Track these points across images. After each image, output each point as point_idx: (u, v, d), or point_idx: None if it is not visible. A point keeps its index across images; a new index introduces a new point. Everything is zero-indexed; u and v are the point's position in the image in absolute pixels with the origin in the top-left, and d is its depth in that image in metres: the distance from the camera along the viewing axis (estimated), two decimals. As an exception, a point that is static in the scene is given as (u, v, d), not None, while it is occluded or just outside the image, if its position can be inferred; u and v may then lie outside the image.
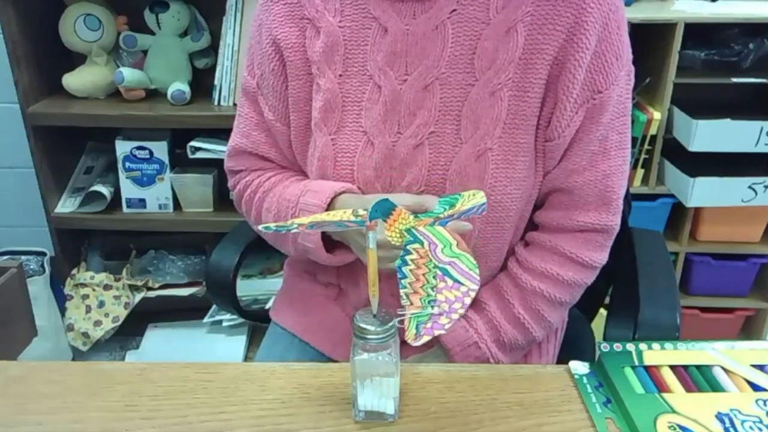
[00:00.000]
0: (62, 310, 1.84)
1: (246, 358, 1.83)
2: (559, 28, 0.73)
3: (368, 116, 0.78)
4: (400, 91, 0.77)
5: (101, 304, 1.82)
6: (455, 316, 0.55)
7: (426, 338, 0.55)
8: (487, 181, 0.76)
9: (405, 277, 0.58)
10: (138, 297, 1.85)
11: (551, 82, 0.75)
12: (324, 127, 0.80)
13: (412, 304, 0.57)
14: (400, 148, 0.77)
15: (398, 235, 0.61)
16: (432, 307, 0.56)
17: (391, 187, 0.78)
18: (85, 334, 1.81)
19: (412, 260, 0.59)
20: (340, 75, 0.79)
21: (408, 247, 0.59)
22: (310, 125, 0.83)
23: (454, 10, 0.75)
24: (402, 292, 0.58)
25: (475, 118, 0.75)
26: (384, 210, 0.62)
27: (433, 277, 0.57)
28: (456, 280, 0.56)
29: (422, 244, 0.59)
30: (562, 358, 0.93)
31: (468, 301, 0.55)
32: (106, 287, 1.83)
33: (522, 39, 0.73)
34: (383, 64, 0.77)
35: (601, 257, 0.83)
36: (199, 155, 1.69)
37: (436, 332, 0.54)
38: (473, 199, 0.64)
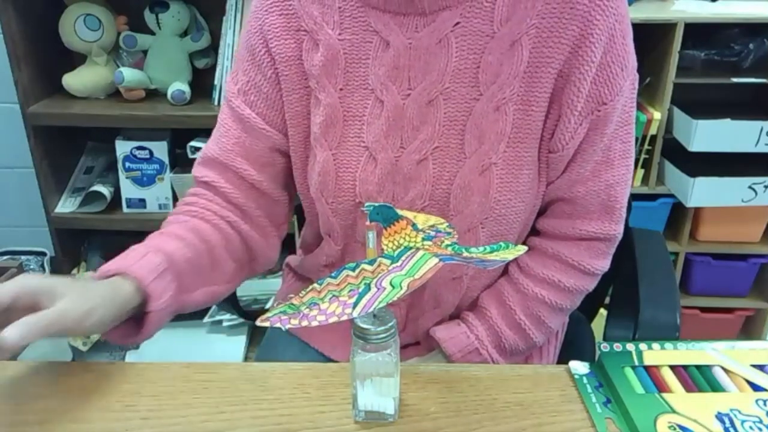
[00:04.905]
0: (62, 310, 1.84)
1: (246, 358, 1.83)
2: (564, 42, 0.71)
3: (370, 131, 0.77)
4: (403, 106, 0.75)
5: (101, 304, 1.82)
6: (305, 323, 0.54)
7: (267, 324, 0.54)
8: (492, 196, 0.75)
9: (333, 277, 0.57)
10: (138, 297, 1.85)
11: (555, 95, 0.74)
12: (324, 142, 0.78)
13: (300, 297, 0.56)
14: (404, 163, 0.76)
15: (395, 247, 0.60)
16: (306, 307, 0.55)
17: (394, 201, 0.77)
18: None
19: (362, 270, 0.57)
20: (341, 89, 0.77)
21: (380, 259, 0.57)
22: (308, 139, 0.81)
23: (458, 23, 0.73)
24: (312, 285, 0.57)
25: (479, 132, 0.74)
26: (386, 216, 0.61)
27: (349, 291, 0.55)
28: (355, 303, 0.54)
29: (391, 263, 0.57)
30: (562, 359, 0.93)
31: (333, 321, 0.53)
32: (106, 287, 1.83)
33: (527, 53, 0.72)
34: (385, 78, 0.75)
35: (604, 264, 0.82)
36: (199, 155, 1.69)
37: (278, 324, 0.54)
38: (510, 252, 0.60)
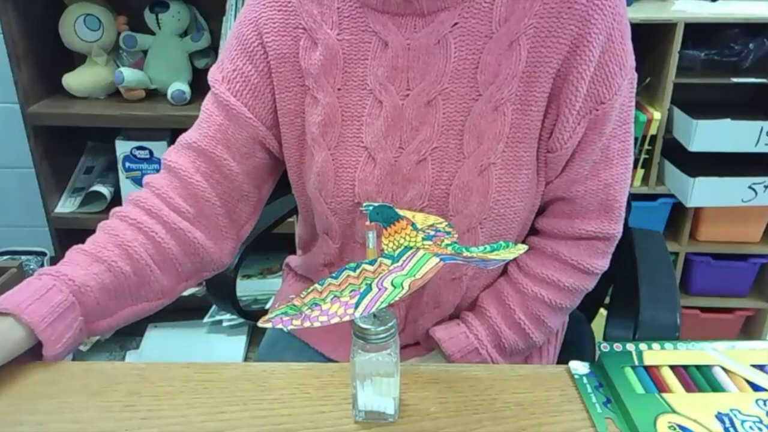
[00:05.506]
0: (62, 310, 1.84)
1: (246, 358, 1.83)
2: (563, 41, 0.71)
3: (369, 132, 0.76)
4: (402, 107, 0.75)
5: (101, 304, 1.82)
6: (307, 324, 0.53)
7: (269, 325, 0.53)
8: (491, 196, 0.75)
9: (334, 278, 0.57)
10: (138, 297, 1.85)
11: (554, 95, 0.74)
12: (323, 142, 0.78)
13: (302, 298, 0.56)
14: (403, 163, 0.76)
15: (395, 247, 0.60)
16: (307, 307, 0.55)
17: (394, 202, 0.77)
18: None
19: (363, 270, 0.57)
20: (339, 89, 0.77)
21: (381, 259, 0.57)
22: (302, 138, 0.81)
23: (456, 24, 0.73)
24: (313, 285, 0.57)
25: (478, 132, 0.74)
26: (386, 216, 0.61)
27: (350, 291, 0.55)
28: (357, 304, 0.53)
29: (392, 263, 0.57)
30: (562, 359, 0.93)
31: (335, 321, 0.53)
32: (106, 287, 1.83)
33: (525, 53, 0.72)
34: (384, 79, 0.75)
35: (603, 263, 0.82)
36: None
37: (280, 325, 0.53)
38: (510, 252, 0.59)
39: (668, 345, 0.70)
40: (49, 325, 0.67)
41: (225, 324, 1.90)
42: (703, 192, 1.65)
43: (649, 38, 1.63)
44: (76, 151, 1.92)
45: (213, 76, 0.83)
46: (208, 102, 0.83)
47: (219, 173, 0.81)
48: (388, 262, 0.57)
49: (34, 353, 0.69)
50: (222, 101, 0.81)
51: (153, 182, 0.81)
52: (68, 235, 1.84)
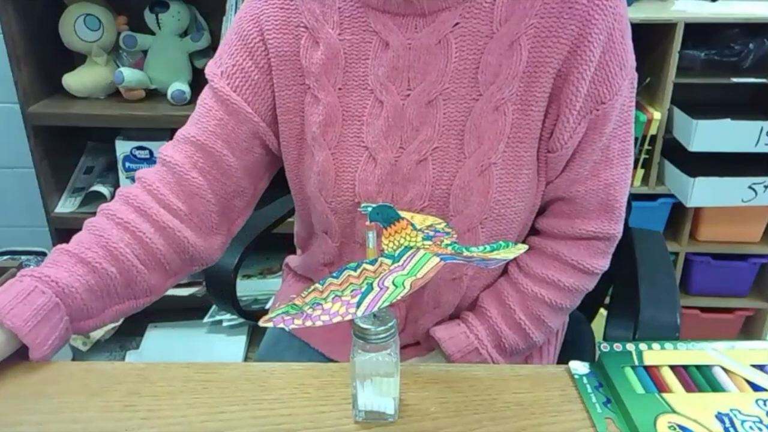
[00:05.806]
0: (62, 310, 1.84)
1: (246, 358, 1.83)
2: (563, 41, 0.71)
3: (369, 131, 0.76)
4: (402, 107, 0.75)
5: (101, 304, 1.82)
6: (308, 323, 0.53)
7: (271, 324, 0.53)
8: (492, 196, 0.75)
9: (335, 277, 0.57)
10: (138, 297, 1.85)
11: (554, 95, 0.73)
12: (324, 142, 0.78)
13: (303, 298, 0.56)
14: (403, 163, 0.76)
15: (395, 247, 0.60)
16: (309, 307, 0.55)
17: (394, 202, 0.77)
18: (85, 334, 1.81)
19: (364, 270, 0.57)
20: (339, 89, 0.77)
21: (382, 258, 0.57)
22: (301, 136, 0.81)
23: (457, 24, 0.73)
24: (314, 285, 0.57)
25: (478, 132, 0.74)
26: (386, 216, 0.61)
27: (351, 290, 0.55)
28: (359, 303, 0.53)
29: (392, 262, 0.57)
30: (562, 359, 0.93)
31: (337, 321, 0.53)
32: (106, 287, 1.83)
33: (526, 53, 0.72)
34: (384, 78, 0.75)
35: (603, 263, 0.82)
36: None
37: (281, 325, 0.53)
38: (510, 252, 0.59)
39: (668, 345, 0.70)
40: (32, 329, 0.66)
41: (225, 324, 1.90)
42: (703, 192, 1.65)
43: (649, 38, 1.63)
44: (76, 151, 1.92)
45: (211, 70, 0.82)
46: (206, 97, 0.83)
47: (217, 169, 0.81)
48: (388, 261, 0.57)
49: (21, 354, 0.68)
50: (222, 96, 0.80)
51: (145, 177, 0.81)
52: (68, 235, 1.82)
